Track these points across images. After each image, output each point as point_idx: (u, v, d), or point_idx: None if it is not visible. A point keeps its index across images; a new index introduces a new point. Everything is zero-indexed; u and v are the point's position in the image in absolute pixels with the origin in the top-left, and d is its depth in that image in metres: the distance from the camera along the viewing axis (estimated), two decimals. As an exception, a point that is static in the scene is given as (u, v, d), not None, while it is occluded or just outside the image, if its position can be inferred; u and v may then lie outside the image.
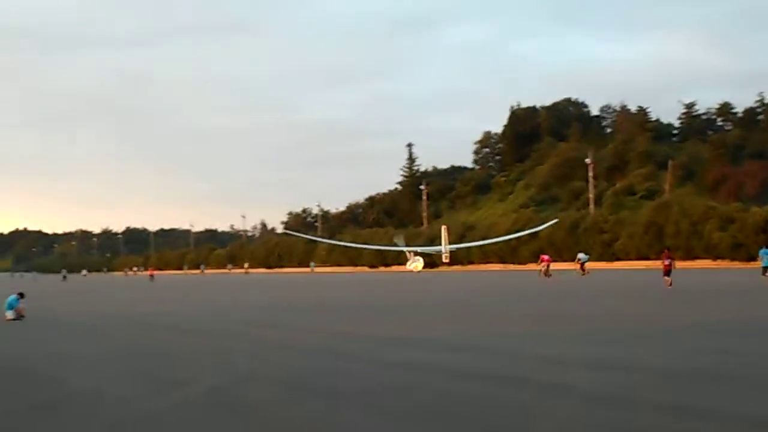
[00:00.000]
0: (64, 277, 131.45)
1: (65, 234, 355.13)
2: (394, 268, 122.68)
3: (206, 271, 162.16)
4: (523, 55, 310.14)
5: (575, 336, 19.65)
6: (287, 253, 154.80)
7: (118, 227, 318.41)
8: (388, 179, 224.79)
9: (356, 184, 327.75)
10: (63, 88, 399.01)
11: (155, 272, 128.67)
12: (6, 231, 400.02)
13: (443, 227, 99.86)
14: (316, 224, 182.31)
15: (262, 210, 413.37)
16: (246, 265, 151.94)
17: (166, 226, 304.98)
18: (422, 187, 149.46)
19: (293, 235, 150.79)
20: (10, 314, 31.46)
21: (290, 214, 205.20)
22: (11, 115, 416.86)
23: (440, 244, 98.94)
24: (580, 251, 78.11)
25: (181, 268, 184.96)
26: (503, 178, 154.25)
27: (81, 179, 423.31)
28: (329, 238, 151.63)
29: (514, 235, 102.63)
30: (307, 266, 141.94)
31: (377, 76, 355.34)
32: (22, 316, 31.71)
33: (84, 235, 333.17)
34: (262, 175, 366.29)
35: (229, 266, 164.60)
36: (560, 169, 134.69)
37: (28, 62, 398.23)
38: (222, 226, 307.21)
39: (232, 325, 27.03)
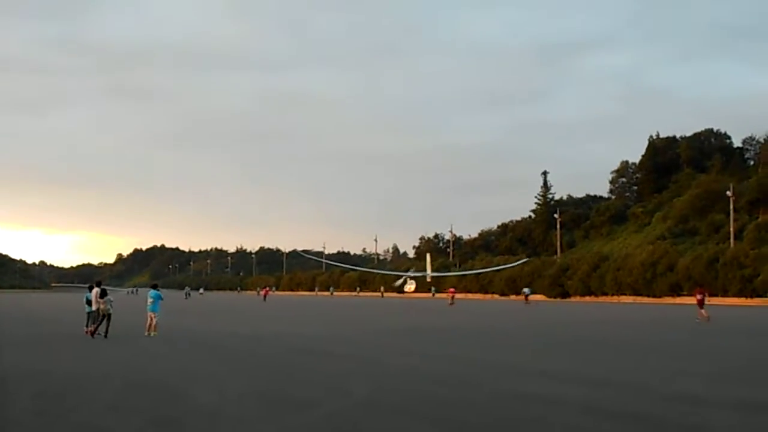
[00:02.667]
0: (187, 294, 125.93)
1: (201, 252, 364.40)
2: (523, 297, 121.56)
3: (335, 294, 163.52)
4: (665, 84, 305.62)
5: (708, 374, 19.04)
6: (419, 278, 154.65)
7: (251, 247, 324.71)
8: (522, 206, 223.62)
9: (490, 210, 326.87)
10: (205, 108, 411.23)
11: (269, 292, 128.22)
12: (144, 247, 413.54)
13: (428, 255, 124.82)
14: (448, 250, 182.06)
15: (395, 234, 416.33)
16: (381, 288, 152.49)
17: (299, 247, 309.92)
18: (556, 215, 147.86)
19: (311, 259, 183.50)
20: (154, 315, 32.30)
21: (422, 238, 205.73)
22: (152, 134, 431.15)
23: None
24: (525, 287, 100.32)
25: (312, 290, 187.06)
26: (640, 209, 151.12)
27: (218, 198, 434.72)
28: (460, 265, 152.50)
29: (484, 270, 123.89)
30: (438, 291, 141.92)
31: (516, 103, 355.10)
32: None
33: (218, 254, 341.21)
34: (396, 198, 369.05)
35: (358, 289, 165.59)
36: (699, 201, 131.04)
37: (173, 83, 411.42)
38: (354, 249, 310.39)
39: (354, 347, 27.25)
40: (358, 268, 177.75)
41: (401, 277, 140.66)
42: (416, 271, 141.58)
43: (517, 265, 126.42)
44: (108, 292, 32.09)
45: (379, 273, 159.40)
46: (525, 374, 19.05)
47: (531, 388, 16.25)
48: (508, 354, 24.76)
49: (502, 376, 18.87)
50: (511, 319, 51.09)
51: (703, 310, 45.72)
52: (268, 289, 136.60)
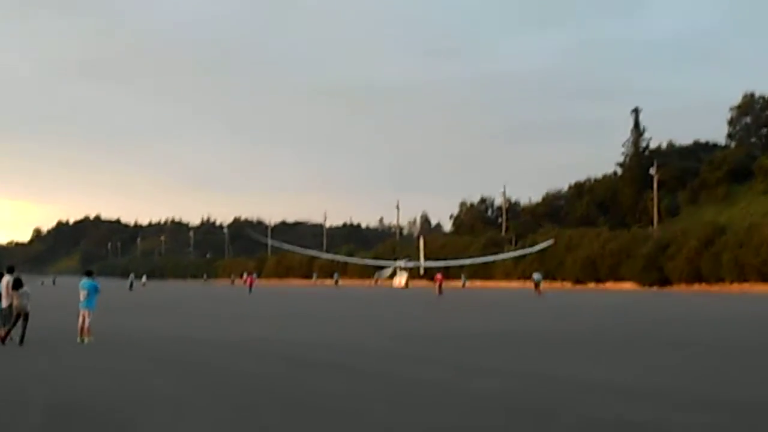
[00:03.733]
0: (131, 284, 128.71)
1: (152, 225, 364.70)
2: (610, 283, 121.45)
3: (341, 282, 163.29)
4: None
5: None
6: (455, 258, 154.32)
7: (223, 218, 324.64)
8: (603, 159, 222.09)
9: (558, 164, 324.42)
10: (156, 21, 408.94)
11: (254, 281, 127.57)
12: (72, 219, 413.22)
13: (421, 239, 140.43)
14: (500, 220, 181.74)
15: (425, 198, 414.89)
16: (406, 276, 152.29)
17: (290, 218, 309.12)
18: (652, 171, 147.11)
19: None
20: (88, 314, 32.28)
21: (463, 205, 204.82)
22: (81, 59, 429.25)
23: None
24: (535, 271, 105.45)
25: (308, 277, 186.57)
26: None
27: (176, 152, 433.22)
28: (516, 239, 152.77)
29: (493, 257, 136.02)
30: (481, 278, 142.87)
31: (588, 16, 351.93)
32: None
33: (177, 228, 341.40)
34: (425, 150, 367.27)
35: (377, 277, 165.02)
36: None
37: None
38: (367, 220, 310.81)
39: (370, 357, 27.39)
40: (330, 255, 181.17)
41: (386, 267, 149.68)
42: (409, 260, 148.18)
43: (536, 250, 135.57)
44: (24, 282, 32.01)
45: (374, 264, 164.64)
46: (608, 392, 18.96)
47: (624, 413, 16.16)
48: (572, 364, 24.80)
49: (576, 395, 18.75)
50: (562, 316, 51.09)
51: None
52: (253, 276, 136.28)
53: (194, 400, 18.65)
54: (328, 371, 23.63)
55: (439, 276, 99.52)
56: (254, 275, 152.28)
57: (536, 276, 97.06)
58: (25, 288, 31.48)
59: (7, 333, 30.80)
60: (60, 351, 29.17)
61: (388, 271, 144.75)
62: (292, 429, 15.06)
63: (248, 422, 15.71)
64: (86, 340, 31.70)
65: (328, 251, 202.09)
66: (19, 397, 19.17)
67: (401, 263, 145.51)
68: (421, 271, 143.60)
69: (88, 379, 22.28)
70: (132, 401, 18.49)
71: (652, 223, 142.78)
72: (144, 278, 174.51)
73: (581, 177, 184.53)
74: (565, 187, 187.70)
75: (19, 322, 30.83)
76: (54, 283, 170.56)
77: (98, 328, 33.15)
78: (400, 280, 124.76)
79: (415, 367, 24.38)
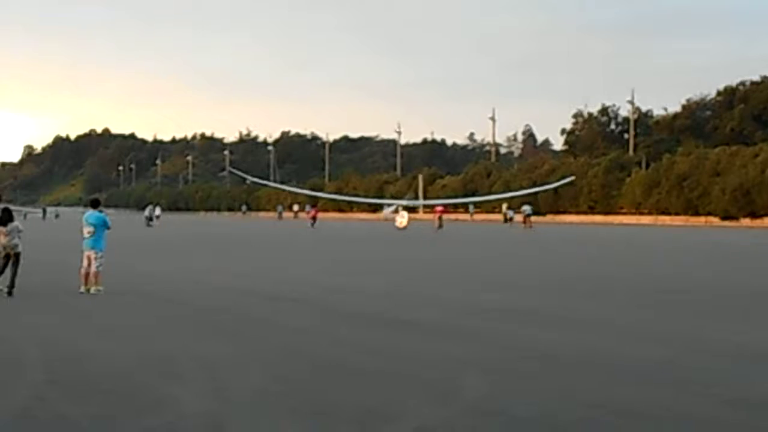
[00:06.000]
0: (149, 218, 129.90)
1: (175, 142, 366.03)
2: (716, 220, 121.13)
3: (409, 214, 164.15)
4: None
5: None
6: (571, 185, 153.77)
7: (267, 131, 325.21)
8: (762, 57, 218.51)
9: (702, 64, 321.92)
10: None
11: (317, 214, 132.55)
12: (74, 134, 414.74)
13: (419, 177, 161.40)
14: (626, 136, 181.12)
15: (528, 108, 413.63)
16: (504, 207, 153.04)
17: (353, 133, 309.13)
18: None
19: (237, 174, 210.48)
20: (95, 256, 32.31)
21: (578, 116, 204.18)
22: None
23: None
24: (526, 203, 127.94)
25: (375, 209, 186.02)
26: None
27: (204, 48, 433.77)
28: (648, 161, 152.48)
29: (507, 195, 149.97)
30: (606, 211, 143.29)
31: None
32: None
33: (207, 146, 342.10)
34: (530, 45, 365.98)
35: (472, 207, 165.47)
36: None
37: None
38: (453, 135, 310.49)
39: (455, 312, 27.30)
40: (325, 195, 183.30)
41: (385, 205, 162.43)
42: (411, 198, 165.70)
43: (552, 188, 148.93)
44: (14, 214, 32.18)
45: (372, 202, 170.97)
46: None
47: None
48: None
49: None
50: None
51: None
52: (316, 209, 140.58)
53: (228, 359, 18.70)
54: (400, 329, 23.48)
55: (439, 208, 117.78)
56: (305, 208, 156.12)
57: (526, 208, 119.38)
58: (16, 223, 31.61)
59: (-6, 280, 31.11)
60: (61, 302, 29.42)
61: (392, 208, 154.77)
62: (352, 396, 15.10)
63: (293, 388, 15.67)
64: (92, 289, 31.87)
65: (403, 174, 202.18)
66: (13, 357, 19.36)
67: (404, 201, 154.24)
68: (420, 209, 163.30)
69: (96, 336, 22.62)
70: (152, 362, 18.72)
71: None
72: (158, 210, 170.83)
73: (733, 80, 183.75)
74: (713, 94, 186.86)
75: (8, 267, 31.04)
76: (56, 216, 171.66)
77: (108, 275, 33.42)
78: (402, 220, 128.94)
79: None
